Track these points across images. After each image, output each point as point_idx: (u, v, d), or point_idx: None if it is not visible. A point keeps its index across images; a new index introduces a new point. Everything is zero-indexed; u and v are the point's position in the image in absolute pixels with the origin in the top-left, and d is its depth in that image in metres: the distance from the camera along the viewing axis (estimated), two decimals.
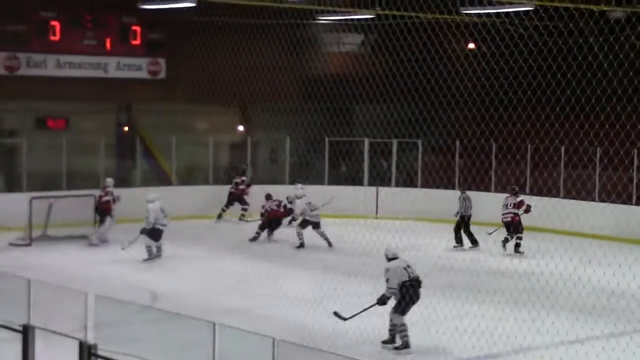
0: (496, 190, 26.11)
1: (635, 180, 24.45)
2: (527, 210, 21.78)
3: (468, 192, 22.70)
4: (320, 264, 19.42)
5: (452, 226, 22.99)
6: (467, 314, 14.93)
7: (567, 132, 25.12)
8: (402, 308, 12.77)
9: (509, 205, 21.83)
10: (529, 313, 15.09)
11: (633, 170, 24.43)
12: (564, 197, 24.91)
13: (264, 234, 22.48)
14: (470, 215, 22.23)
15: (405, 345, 12.76)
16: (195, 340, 10.17)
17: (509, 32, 22.08)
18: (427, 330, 13.76)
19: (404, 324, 12.78)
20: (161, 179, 27.62)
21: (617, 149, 24.52)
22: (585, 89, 23.87)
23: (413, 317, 14.40)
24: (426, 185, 27.61)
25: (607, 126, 24.80)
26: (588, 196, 24.58)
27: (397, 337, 12.92)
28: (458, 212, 22.27)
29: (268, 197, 22.94)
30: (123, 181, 25.59)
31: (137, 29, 28.14)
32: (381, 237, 22.94)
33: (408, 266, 13.01)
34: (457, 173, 27.30)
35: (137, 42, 28.17)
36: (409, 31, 22.08)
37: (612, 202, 24.31)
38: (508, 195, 22.28)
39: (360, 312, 12.95)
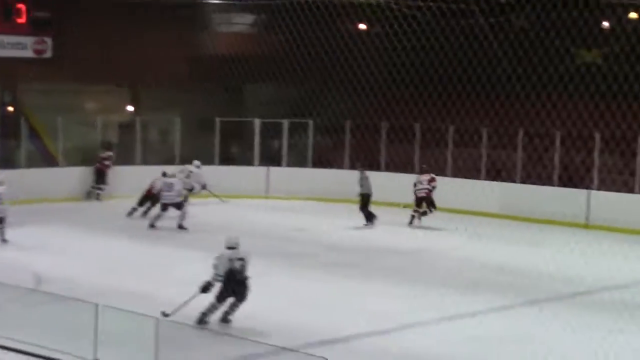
0: (387, 170, 26.34)
1: (519, 159, 25.00)
2: (434, 188, 22.42)
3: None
4: (208, 244, 19.22)
5: (344, 205, 23.25)
6: (356, 292, 15.02)
7: (455, 111, 25.55)
8: (219, 295, 12.48)
9: (422, 181, 22.46)
10: (417, 289, 15.29)
11: (518, 149, 24.98)
12: (452, 176, 25.33)
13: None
14: (369, 194, 22.40)
15: (200, 319, 12.33)
16: (79, 322, 10.00)
17: (397, 13, 22.27)
18: (314, 309, 13.80)
19: (214, 305, 12.44)
20: (47, 160, 26.98)
21: (503, 129, 25.09)
22: (474, 69, 24.30)
23: (300, 297, 14.47)
24: (317, 164, 27.69)
25: (494, 106, 25.33)
26: (475, 175, 25.03)
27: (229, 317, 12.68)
28: (361, 191, 22.43)
29: (163, 174, 22.68)
30: (7, 162, 24.89)
31: (22, 7, 27.32)
32: (271, 217, 23.07)
33: (240, 259, 12.58)
34: (347, 152, 27.45)
35: (22, 20, 27.35)
36: (297, 11, 22.09)
37: (498, 180, 24.86)
38: (419, 174, 22.94)
39: (185, 303, 12.49)
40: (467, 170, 25.16)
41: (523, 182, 24.75)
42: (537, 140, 25.05)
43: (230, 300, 12.49)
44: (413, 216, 22.36)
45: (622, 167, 23.91)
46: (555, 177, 24.42)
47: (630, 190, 23.00)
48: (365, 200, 22.35)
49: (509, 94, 24.64)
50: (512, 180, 24.88)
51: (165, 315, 12.13)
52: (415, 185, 22.52)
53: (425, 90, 24.18)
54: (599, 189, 23.38)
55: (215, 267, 12.45)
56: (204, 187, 24.79)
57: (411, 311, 13.74)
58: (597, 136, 23.61)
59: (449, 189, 22.78)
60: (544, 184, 24.37)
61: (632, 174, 23.20)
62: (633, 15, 26.65)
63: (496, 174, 25.22)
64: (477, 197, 23.59)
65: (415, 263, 17.89)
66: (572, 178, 24.22)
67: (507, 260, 17.81)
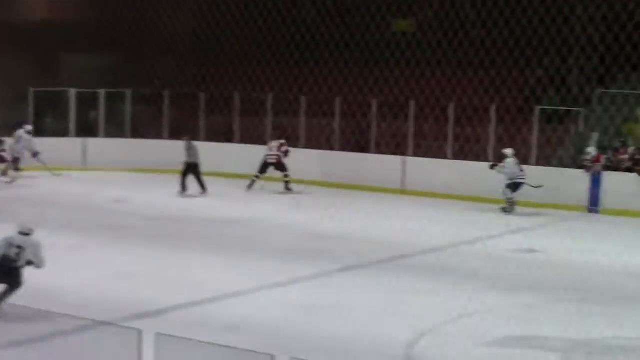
0: (206, 139, 26.19)
1: (337, 127, 25.40)
2: (286, 153, 22.92)
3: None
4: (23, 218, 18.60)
5: (163, 176, 23.11)
6: (175, 263, 14.90)
7: (274, 80, 25.67)
8: None
9: (272, 148, 22.97)
10: (238, 258, 15.34)
11: (336, 117, 25.36)
12: None
13: None
14: (197, 163, 22.30)
15: None
16: None
17: None
18: (133, 281, 13.59)
19: None
20: None
21: (322, 97, 25.38)
22: (292, 37, 24.42)
23: (118, 269, 14.23)
24: (136, 135, 27.23)
25: (311, 75, 25.58)
26: (294, 143, 25.25)
27: None
28: (187, 161, 22.29)
29: None
30: None
31: None
32: (89, 189, 22.56)
33: (18, 247, 11.54)
34: (167, 122, 27.14)
35: None
36: None
37: (317, 148, 25.20)
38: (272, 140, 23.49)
39: None
40: (288, 139, 25.37)
41: (342, 150, 25.21)
42: (354, 108, 25.50)
43: (2, 286, 11.59)
44: (253, 181, 22.63)
45: (434, 133, 24.67)
46: (373, 145, 24.95)
47: (443, 155, 23.78)
48: (193, 170, 22.21)
49: (326, 62, 24.94)
50: (331, 148, 25.28)
51: None
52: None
53: (244, 59, 24.18)
54: (413, 155, 24.08)
55: None
56: (35, 155, 23.98)
57: (231, 280, 13.76)
58: (412, 103, 24.25)
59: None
60: (361, 152, 24.89)
61: (445, 139, 23.98)
62: None
63: (320, 142, 25.56)
64: (297, 165, 23.83)
65: (235, 232, 17.89)
66: (389, 145, 24.82)
67: (327, 227, 18.09)
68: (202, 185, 22.09)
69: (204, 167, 22.53)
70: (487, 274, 14.41)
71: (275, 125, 25.80)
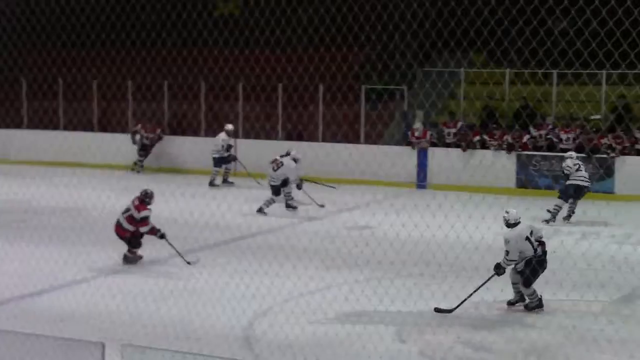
0: (29, 127, 25.43)
1: (166, 111, 25.05)
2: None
3: None
4: None
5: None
6: (4, 255, 14.22)
7: (99, 63, 25.09)
8: (527, 280, 11.36)
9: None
10: (66, 248, 14.80)
11: (165, 101, 25.05)
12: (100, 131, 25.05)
13: None
14: None
15: (538, 304, 11.50)
16: None
17: None
18: None
19: (534, 292, 11.44)
20: None
21: (112, 80, 25.02)
22: (115, 21, 23.76)
23: None
24: None
25: (137, 58, 25.09)
26: (124, 127, 24.80)
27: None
28: None
29: None
30: None
31: None
32: None
33: (531, 233, 11.37)
34: None
35: None
36: None
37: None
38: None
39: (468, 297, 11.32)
40: (112, 125, 25.05)
41: (172, 134, 25.02)
42: (182, 90, 25.29)
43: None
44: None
45: (263, 115, 24.67)
46: (202, 128, 24.77)
47: (270, 137, 23.84)
48: None
49: (152, 46, 24.50)
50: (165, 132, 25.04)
51: (446, 311, 11.17)
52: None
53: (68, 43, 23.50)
54: (243, 137, 24.03)
55: (508, 253, 11.26)
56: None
57: (60, 270, 13.17)
58: (240, 86, 24.15)
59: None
60: (190, 135, 24.75)
61: (269, 119, 24.06)
62: None
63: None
64: (125, 149, 23.41)
65: (71, 221, 17.23)
66: (220, 127, 24.65)
67: (162, 212, 17.70)
68: None
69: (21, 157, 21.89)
70: (323, 251, 14.43)
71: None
